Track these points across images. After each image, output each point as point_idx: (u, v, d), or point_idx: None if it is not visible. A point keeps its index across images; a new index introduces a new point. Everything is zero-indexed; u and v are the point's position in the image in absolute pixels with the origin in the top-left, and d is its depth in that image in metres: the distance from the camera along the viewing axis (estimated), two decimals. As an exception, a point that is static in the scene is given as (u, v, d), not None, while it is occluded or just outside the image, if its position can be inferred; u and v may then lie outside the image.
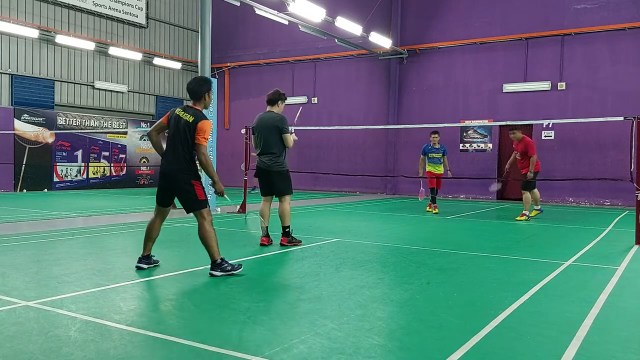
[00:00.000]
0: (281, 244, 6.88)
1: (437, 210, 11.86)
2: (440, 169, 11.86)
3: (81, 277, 4.89)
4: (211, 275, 5.01)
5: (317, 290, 4.60)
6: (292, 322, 3.68)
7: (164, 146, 5.31)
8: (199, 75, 5.35)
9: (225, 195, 5.22)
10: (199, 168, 5.17)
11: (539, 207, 10.97)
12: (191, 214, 5.19)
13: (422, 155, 11.88)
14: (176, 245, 6.93)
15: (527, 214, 10.54)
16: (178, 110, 5.21)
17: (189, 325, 3.60)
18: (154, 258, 5.41)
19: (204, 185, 5.24)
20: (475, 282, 5.01)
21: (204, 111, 5.31)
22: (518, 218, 10.64)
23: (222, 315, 3.84)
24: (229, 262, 5.14)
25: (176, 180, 5.10)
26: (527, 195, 10.45)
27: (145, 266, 5.28)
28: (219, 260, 5.05)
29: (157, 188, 5.31)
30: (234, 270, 5.06)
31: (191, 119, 5.05)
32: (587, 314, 3.92)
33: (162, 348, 3.14)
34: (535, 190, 10.60)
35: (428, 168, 11.84)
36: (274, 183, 6.76)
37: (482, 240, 7.92)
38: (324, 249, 6.70)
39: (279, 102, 6.90)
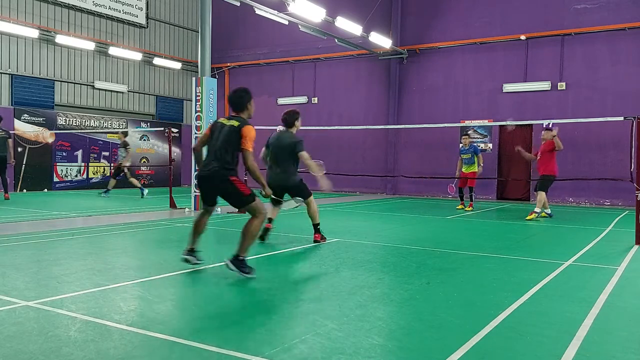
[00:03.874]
0: (314, 240, 7.22)
1: (469, 208, 12.73)
2: (469, 169, 12.65)
3: (81, 277, 4.89)
4: (226, 265, 4.93)
5: (317, 290, 4.60)
6: (292, 322, 3.68)
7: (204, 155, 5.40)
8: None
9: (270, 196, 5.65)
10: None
11: (549, 210, 11.13)
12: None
13: (460, 155, 12.97)
14: (176, 245, 6.92)
15: (539, 212, 10.63)
16: (222, 119, 5.32)
17: (189, 325, 3.60)
18: (198, 254, 5.38)
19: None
20: (475, 282, 5.02)
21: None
22: (528, 217, 10.73)
23: (222, 315, 3.84)
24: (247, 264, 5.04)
25: (216, 180, 5.11)
26: (542, 195, 10.54)
27: (189, 258, 5.28)
28: (242, 258, 4.98)
29: (200, 192, 5.33)
30: (246, 274, 4.96)
31: (237, 124, 5.13)
32: (587, 314, 3.92)
33: (162, 348, 3.14)
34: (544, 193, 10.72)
35: (463, 169, 12.76)
36: (294, 194, 7.17)
37: (482, 240, 7.92)
38: (324, 249, 6.70)
39: (295, 122, 7.27)
